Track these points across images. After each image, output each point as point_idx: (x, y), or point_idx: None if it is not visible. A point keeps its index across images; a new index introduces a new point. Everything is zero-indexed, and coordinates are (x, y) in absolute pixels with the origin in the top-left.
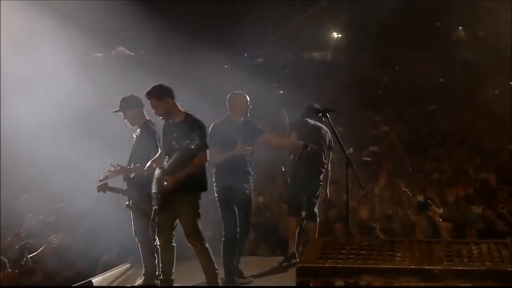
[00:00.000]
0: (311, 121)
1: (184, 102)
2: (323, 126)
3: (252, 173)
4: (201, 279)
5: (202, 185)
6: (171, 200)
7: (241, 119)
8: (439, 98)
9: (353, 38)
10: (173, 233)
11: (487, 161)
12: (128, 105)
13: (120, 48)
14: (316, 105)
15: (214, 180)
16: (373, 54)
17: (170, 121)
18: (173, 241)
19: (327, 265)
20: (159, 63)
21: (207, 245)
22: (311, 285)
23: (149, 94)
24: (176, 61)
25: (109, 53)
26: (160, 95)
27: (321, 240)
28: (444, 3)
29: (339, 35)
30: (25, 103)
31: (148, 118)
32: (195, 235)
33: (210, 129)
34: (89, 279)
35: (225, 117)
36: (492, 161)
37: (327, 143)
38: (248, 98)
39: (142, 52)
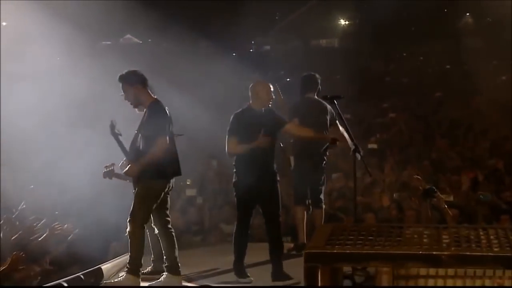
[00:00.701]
0: (311, 98)
1: (191, 89)
2: (322, 101)
3: (275, 168)
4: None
5: (159, 173)
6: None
7: (263, 109)
8: (446, 85)
9: (359, 25)
10: (161, 219)
11: (494, 148)
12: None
13: (128, 36)
14: (312, 73)
15: (234, 171)
16: (380, 41)
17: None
18: (167, 227)
19: (335, 251)
20: (166, 51)
21: (141, 232)
22: (319, 271)
23: (120, 79)
24: (184, 48)
25: (118, 41)
26: (130, 80)
27: (328, 226)
28: None
29: (346, 23)
30: (31, 93)
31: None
32: (132, 217)
33: (231, 118)
34: (98, 266)
35: (247, 106)
36: (499, 148)
37: (329, 119)
38: (271, 88)
39: (149, 40)
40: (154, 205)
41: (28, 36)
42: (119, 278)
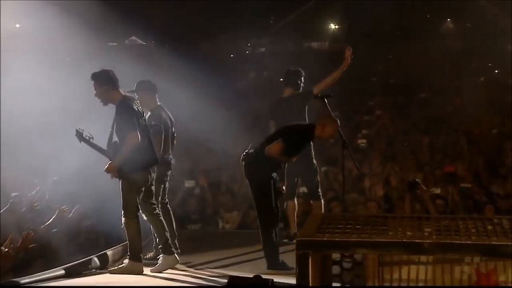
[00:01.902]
0: (284, 97)
1: (191, 87)
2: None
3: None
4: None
5: (136, 166)
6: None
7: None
8: (430, 86)
9: (348, 29)
10: (147, 207)
11: (474, 144)
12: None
13: (133, 37)
14: (291, 69)
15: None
16: (367, 44)
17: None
18: (153, 213)
19: (325, 238)
20: (168, 52)
21: (133, 221)
22: (310, 257)
23: (92, 77)
24: (185, 50)
25: (123, 43)
26: (99, 80)
27: (319, 215)
28: None
29: (336, 26)
30: (41, 88)
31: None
32: (124, 210)
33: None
34: (104, 251)
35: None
36: (479, 145)
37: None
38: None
39: (152, 42)
40: (140, 196)
41: (40, 35)
42: (123, 265)
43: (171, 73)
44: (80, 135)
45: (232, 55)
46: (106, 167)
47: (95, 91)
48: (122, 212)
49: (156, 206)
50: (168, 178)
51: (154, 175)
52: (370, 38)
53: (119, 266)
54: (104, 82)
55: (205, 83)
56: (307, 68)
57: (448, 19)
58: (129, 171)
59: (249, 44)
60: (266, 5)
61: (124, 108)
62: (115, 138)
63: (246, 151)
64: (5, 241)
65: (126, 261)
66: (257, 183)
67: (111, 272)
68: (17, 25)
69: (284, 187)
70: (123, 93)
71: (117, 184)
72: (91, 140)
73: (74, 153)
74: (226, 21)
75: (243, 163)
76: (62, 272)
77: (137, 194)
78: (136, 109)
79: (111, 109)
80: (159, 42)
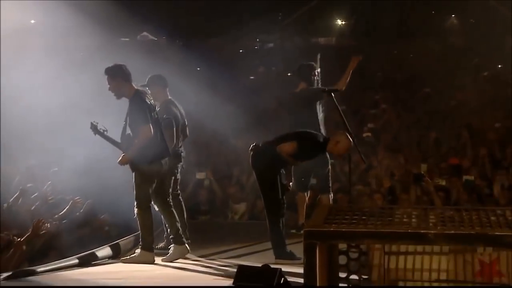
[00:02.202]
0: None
1: (202, 82)
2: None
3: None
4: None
5: (148, 159)
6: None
7: None
8: (433, 80)
9: (355, 25)
10: (159, 198)
11: (477, 138)
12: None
13: (145, 33)
14: (304, 63)
15: None
16: (373, 40)
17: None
18: (166, 204)
19: (332, 229)
20: (179, 47)
21: (146, 212)
22: (317, 247)
23: (105, 72)
24: (195, 45)
25: (135, 38)
26: (112, 74)
27: (326, 207)
28: None
29: (343, 23)
30: (56, 82)
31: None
32: (136, 202)
33: None
34: (116, 241)
35: None
36: (482, 138)
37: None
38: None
39: (164, 37)
40: (152, 187)
41: (54, 31)
42: (135, 254)
43: (182, 68)
44: (94, 128)
45: (241, 50)
46: (119, 159)
47: (108, 85)
48: (135, 203)
49: (167, 197)
50: (179, 170)
51: (166, 167)
52: (376, 34)
53: (131, 255)
54: (117, 76)
55: (215, 77)
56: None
57: (452, 16)
58: (141, 163)
59: (258, 40)
60: (274, 2)
61: (137, 101)
62: (128, 131)
63: (255, 143)
64: (19, 232)
65: (138, 250)
66: (263, 175)
67: (123, 262)
68: (32, 21)
69: (291, 184)
70: (135, 87)
71: (128, 176)
72: (105, 132)
73: (86, 147)
74: (236, 18)
75: (251, 153)
76: (76, 261)
77: (149, 186)
78: (149, 102)
79: (123, 102)
80: (170, 38)
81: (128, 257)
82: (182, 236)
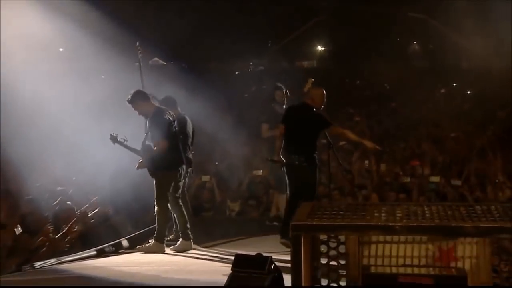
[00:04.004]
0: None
1: (205, 99)
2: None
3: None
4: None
5: (166, 167)
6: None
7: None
8: (400, 97)
9: (333, 50)
10: (173, 199)
11: (438, 145)
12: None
13: (155, 58)
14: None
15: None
16: (349, 62)
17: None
18: (178, 205)
19: (314, 223)
20: (184, 70)
21: (164, 210)
22: (302, 238)
23: (128, 102)
24: (199, 68)
25: (147, 63)
26: (134, 100)
27: (309, 204)
28: (404, 25)
29: (323, 48)
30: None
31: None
32: (156, 201)
33: None
34: (134, 233)
35: None
36: (441, 146)
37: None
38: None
39: (171, 62)
40: (169, 190)
41: (83, 57)
42: (149, 244)
43: (187, 87)
44: (114, 139)
45: (237, 72)
46: (137, 165)
47: (136, 111)
48: (155, 202)
49: (179, 198)
50: (188, 174)
51: (183, 172)
52: (350, 58)
53: (147, 244)
54: (136, 100)
55: (215, 95)
56: (298, 83)
57: (414, 42)
58: (161, 171)
59: (251, 63)
60: (264, 32)
61: (155, 118)
62: (148, 141)
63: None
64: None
65: (151, 241)
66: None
67: (139, 250)
68: (61, 49)
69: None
70: (155, 105)
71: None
72: (125, 142)
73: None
74: (232, 45)
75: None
76: (94, 252)
77: (168, 189)
78: (167, 118)
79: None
80: (176, 62)
81: (144, 245)
82: (190, 233)
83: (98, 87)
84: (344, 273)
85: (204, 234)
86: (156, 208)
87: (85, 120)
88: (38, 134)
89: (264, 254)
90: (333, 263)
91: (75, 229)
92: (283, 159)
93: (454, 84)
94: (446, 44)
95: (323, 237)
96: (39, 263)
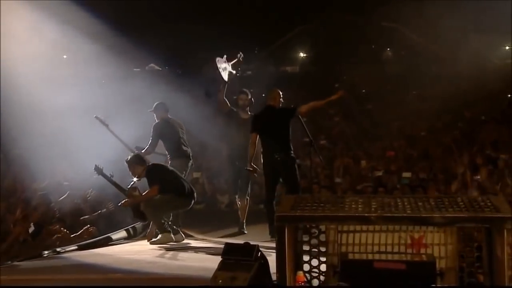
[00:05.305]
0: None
1: (198, 103)
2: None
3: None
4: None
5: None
6: None
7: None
8: (375, 99)
9: (314, 57)
10: None
11: (410, 142)
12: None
13: (152, 64)
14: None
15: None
16: (328, 67)
17: None
18: None
19: (297, 214)
20: (179, 75)
21: (151, 208)
22: (286, 228)
23: (127, 162)
24: (191, 73)
25: (144, 68)
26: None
27: (292, 197)
28: (378, 33)
29: (305, 55)
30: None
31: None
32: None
33: None
34: (133, 225)
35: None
36: (413, 143)
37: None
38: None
39: (166, 67)
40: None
41: (85, 61)
42: (158, 238)
43: (181, 90)
44: (99, 170)
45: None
46: (121, 202)
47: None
48: (144, 205)
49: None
50: (189, 168)
51: (191, 162)
52: (330, 63)
53: (155, 239)
54: (134, 164)
55: (205, 98)
56: (282, 87)
57: (387, 49)
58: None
59: (239, 69)
60: (251, 39)
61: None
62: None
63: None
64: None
65: (159, 235)
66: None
67: (152, 243)
68: (64, 56)
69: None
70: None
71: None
72: (111, 177)
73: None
74: (222, 51)
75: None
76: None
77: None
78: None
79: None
80: (171, 67)
81: (154, 239)
82: (168, 226)
83: (99, 91)
84: (324, 260)
85: (196, 225)
86: (144, 207)
87: (87, 122)
88: (42, 136)
89: (252, 243)
90: (314, 250)
91: (91, 230)
92: (255, 166)
93: (425, 87)
94: (416, 50)
95: (306, 227)
96: (46, 252)
